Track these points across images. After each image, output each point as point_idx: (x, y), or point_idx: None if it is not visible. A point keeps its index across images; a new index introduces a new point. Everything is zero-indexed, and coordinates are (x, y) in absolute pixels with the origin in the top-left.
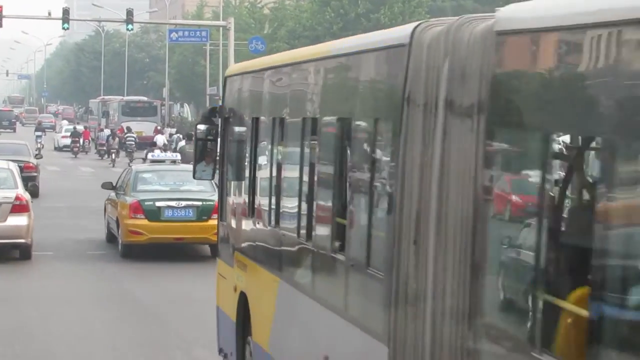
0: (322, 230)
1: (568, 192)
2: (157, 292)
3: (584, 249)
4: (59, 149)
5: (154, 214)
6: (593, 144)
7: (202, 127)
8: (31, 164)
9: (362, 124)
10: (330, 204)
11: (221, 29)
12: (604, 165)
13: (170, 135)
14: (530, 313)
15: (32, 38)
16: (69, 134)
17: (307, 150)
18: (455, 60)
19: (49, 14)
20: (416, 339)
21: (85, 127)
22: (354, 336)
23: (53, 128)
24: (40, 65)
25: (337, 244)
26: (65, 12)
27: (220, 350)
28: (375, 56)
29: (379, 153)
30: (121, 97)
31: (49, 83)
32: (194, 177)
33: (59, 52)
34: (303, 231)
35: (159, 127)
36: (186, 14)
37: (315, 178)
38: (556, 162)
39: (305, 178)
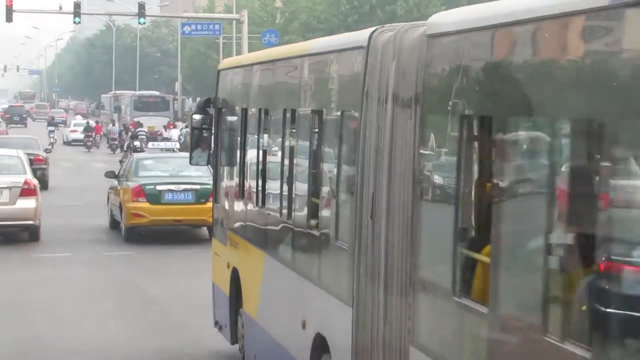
0: (300, 210)
1: (481, 170)
2: (157, 273)
3: (488, 217)
4: (67, 143)
5: (155, 197)
6: (502, 127)
7: (197, 117)
8: (41, 157)
9: (331, 115)
10: (306, 186)
11: (234, 22)
12: (510, 146)
13: (181, 129)
14: (452, 267)
15: (43, 33)
16: (77, 128)
17: (286, 138)
18: (400, 60)
19: (60, 8)
20: (373, 299)
21: (97, 122)
22: (326, 301)
23: (64, 123)
24: (51, 61)
25: (311, 221)
26: (77, 6)
27: (216, 323)
28: (341, 56)
29: (345, 141)
30: (133, 92)
31: (60, 78)
32: (190, 163)
33: (69, 48)
34: (284, 211)
35: (172, 122)
36: (197, 7)
37: (294, 163)
38: (475, 144)
39: (286, 163)
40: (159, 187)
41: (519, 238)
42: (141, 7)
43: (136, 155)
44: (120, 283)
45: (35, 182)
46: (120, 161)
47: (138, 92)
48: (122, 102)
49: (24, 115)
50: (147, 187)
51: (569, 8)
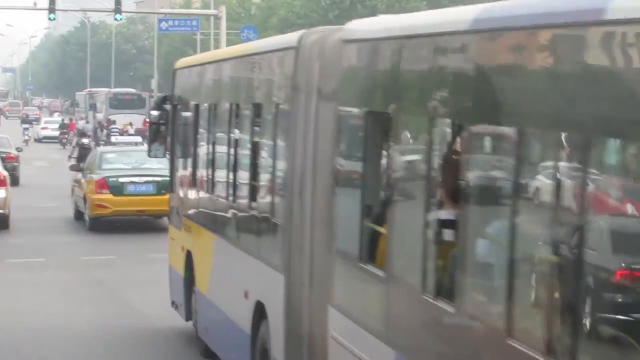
0: (242, 193)
1: (381, 157)
2: (118, 257)
3: (387, 197)
4: (39, 140)
5: (118, 189)
6: (397, 123)
7: (155, 112)
8: (12, 155)
9: (269, 108)
10: (247, 172)
11: (212, 18)
12: (401, 138)
13: None
14: (360, 238)
15: (17, 31)
16: (48, 125)
17: (231, 131)
18: (323, 60)
19: (35, 4)
20: (301, 267)
21: (71, 119)
22: (264, 271)
23: (38, 121)
24: (25, 58)
25: (252, 203)
26: (52, 1)
27: (173, 303)
28: (276, 55)
29: (279, 132)
30: (109, 90)
31: (34, 76)
32: (148, 155)
33: (44, 45)
34: (229, 196)
35: (147, 120)
36: (174, 4)
37: (237, 153)
38: (377, 136)
39: (231, 153)
40: (121, 179)
41: (408, 215)
42: (117, 2)
43: (100, 149)
44: (79, 273)
45: (5, 173)
46: (69, 156)
47: (114, 90)
48: (97, 100)
49: None
50: (110, 179)
51: (444, 29)
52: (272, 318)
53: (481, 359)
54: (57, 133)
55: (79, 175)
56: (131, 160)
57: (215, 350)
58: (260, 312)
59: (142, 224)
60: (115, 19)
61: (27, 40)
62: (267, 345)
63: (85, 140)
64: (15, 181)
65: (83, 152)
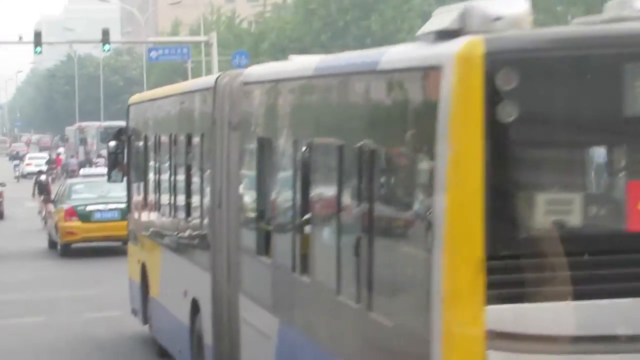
0: (179, 207)
1: (264, 173)
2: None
3: (270, 202)
4: (23, 176)
5: (85, 216)
6: (277, 145)
7: (112, 143)
8: None
9: (195, 139)
10: (182, 191)
11: (203, 44)
12: (278, 156)
13: None
14: (257, 235)
15: (3, 67)
16: (32, 162)
17: (170, 158)
18: (231, 98)
19: (20, 38)
20: (222, 265)
21: (58, 154)
22: (196, 272)
23: (24, 157)
24: (12, 94)
25: (187, 217)
26: (37, 35)
27: (133, 310)
28: (199, 94)
29: (205, 156)
30: (99, 124)
31: (22, 112)
32: (108, 181)
33: (30, 80)
34: (171, 213)
35: None
36: (161, 33)
37: (175, 177)
38: (264, 156)
39: (170, 177)
40: (88, 208)
41: (284, 217)
42: (105, 33)
43: (69, 181)
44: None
45: None
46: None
47: (104, 123)
48: (87, 134)
49: None
50: (79, 207)
51: (294, 75)
52: (203, 310)
53: (326, 312)
54: (37, 169)
55: (51, 205)
56: (98, 190)
57: (165, 345)
58: (195, 307)
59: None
60: (104, 50)
61: (14, 76)
62: (201, 334)
63: (42, 177)
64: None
65: (41, 188)
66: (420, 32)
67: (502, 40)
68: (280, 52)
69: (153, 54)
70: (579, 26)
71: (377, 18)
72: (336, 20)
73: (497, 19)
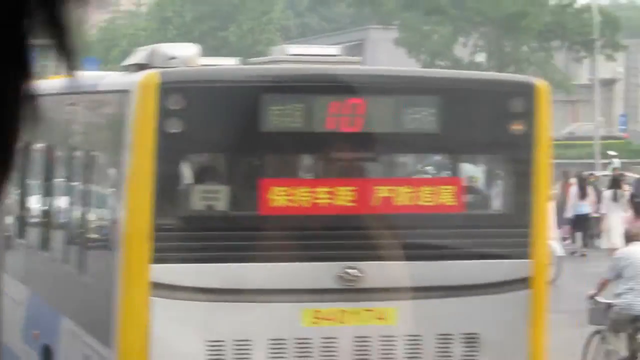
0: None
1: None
2: None
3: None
4: None
5: None
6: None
7: None
8: None
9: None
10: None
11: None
12: (57, 160)
13: None
14: (17, 220)
15: None
16: None
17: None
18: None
19: None
20: (50, 279)
21: None
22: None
23: None
24: None
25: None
26: None
27: None
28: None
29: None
30: None
31: None
32: None
33: None
34: None
35: None
36: None
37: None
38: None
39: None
40: None
41: (35, 206)
42: None
43: None
44: None
45: None
46: None
47: None
48: None
49: None
50: None
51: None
52: None
53: (52, 280)
54: None
55: None
56: None
57: None
58: None
59: None
60: None
61: None
62: None
63: None
64: None
65: None
66: (124, 63)
67: (172, 74)
68: None
69: None
70: (235, 65)
71: (235, 29)
72: (192, 29)
73: (172, 58)
